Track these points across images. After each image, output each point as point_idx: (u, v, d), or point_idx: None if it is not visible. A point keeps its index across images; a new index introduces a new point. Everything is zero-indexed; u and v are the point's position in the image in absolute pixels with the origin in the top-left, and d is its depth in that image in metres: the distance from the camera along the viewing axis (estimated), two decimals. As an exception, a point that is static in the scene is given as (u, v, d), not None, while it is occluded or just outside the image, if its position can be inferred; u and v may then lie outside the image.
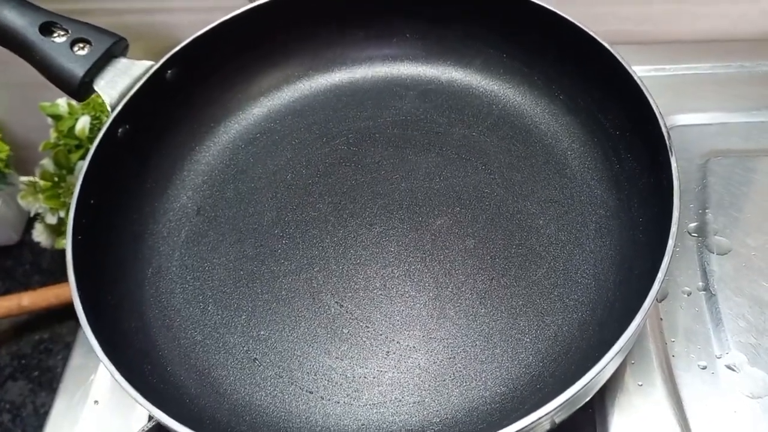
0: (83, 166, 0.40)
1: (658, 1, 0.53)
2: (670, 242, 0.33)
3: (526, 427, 0.29)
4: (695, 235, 0.45)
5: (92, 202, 0.40)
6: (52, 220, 0.61)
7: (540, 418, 0.29)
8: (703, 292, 0.42)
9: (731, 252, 0.44)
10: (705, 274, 0.43)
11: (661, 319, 0.41)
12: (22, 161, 0.68)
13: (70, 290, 0.36)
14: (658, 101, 0.51)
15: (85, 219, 0.39)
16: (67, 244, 0.37)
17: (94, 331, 0.33)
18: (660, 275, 0.32)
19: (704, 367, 0.40)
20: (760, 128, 0.49)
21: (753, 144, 0.48)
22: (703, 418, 0.38)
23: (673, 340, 0.41)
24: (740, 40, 0.54)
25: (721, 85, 0.52)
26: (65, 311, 0.61)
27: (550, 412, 0.29)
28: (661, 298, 0.42)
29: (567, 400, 0.29)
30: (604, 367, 0.29)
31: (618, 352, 0.30)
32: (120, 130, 0.41)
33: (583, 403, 0.32)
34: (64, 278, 0.61)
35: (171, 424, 0.30)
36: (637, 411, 0.38)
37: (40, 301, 0.60)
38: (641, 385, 0.39)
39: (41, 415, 0.59)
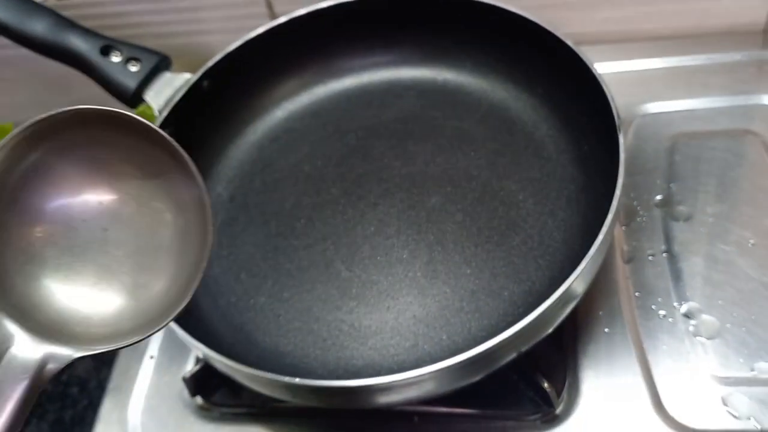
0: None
1: (633, 4, 0.59)
2: (614, 202, 0.39)
3: (490, 348, 0.35)
4: (661, 206, 0.51)
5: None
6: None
7: (502, 341, 0.35)
8: (665, 254, 0.48)
9: (692, 219, 0.50)
10: (668, 239, 0.49)
11: (628, 277, 0.48)
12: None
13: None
14: (631, 93, 0.58)
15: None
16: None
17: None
18: (600, 237, 0.38)
19: (664, 316, 0.46)
20: (721, 112, 0.55)
21: (715, 126, 0.54)
22: (661, 356, 0.44)
23: (637, 294, 0.47)
24: (707, 35, 0.60)
25: (690, 76, 0.57)
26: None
27: (510, 337, 0.36)
28: (628, 260, 0.49)
29: (523, 328, 0.36)
30: (550, 305, 0.36)
31: (559, 297, 0.36)
32: (165, 131, 0.50)
33: (544, 335, 0.39)
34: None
35: (212, 355, 0.38)
36: (603, 352, 0.45)
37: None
38: (607, 331, 0.45)
39: (104, 387, 0.67)
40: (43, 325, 0.30)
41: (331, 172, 0.52)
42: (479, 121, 0.53)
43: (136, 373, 0.50)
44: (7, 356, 0.29)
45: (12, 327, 0.30)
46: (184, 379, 0.47)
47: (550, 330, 0.39)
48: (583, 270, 0.37)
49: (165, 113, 0.50)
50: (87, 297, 0.32)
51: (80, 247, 0.32)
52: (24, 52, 0.53)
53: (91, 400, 0.66)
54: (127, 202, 0.32)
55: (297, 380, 0.37)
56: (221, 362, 0.39)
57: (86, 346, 0.30)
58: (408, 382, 0.36)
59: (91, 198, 0.32)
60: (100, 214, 0.32)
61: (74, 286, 0.32)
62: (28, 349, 0.29)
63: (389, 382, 0.36)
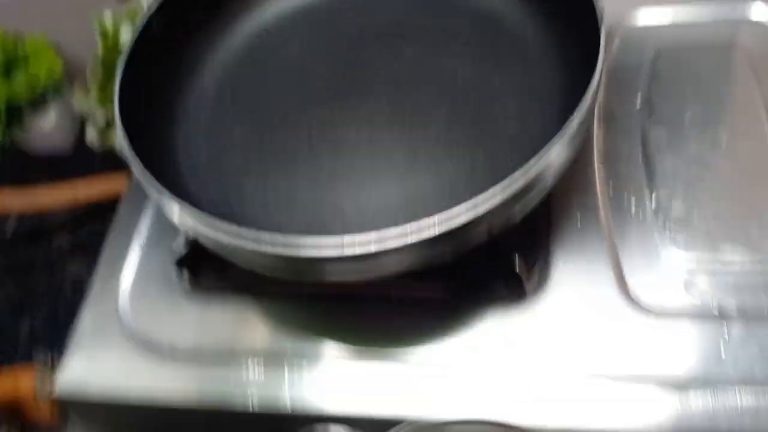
0: (124, 52, 0.48)
1: None
2: (589, 92, 0.40)
3: (458, 226, 0.37)
4: (640, 110, 0.52)
5: (133, 85, 0.47)
6: (101, 122, 0.71)
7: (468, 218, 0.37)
8: (641, 155, 0.50)
9: (669, 122, 0.51)
10: (645, 142, 0.50)
11: (603, 176, 0.49)
12: (71, 76, 0.78)
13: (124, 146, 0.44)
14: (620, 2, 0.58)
15: (128, 98, 0.46)
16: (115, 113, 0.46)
17: (143, 178, 0.42)
18: (573, 123, 0.40)
19: (636, 213, 0.47)
20: (707, 25, 0.56)
21: (700, 38, 0.56)
22: (629, 247, 0.46)
23: (611, 192, 0.49)
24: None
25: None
26: (113, 206, 0.71)
27: (480, 217, 0.37)
28: (604, 161, 0.50)
29: (492, 206, 0.37)
30: (517, 186, 0.38)
31: (524, 177, 0.38)
32: (155, 22, 0.50)
33: (514, 219, 0.40)
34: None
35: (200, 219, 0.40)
36: (575, 243, 0.47)
37: (92, 190, 0.69)
38: (580, 225, 0.47)
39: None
40: None
41: (319, 69, 0.53)
42: (467, 23, 0.54)
43: (124, 260, 0.52)
44: None
45: None
46: (175, 260, 0.48)
47: (520, 216, 0.41)
48: (550, 153, 0.39)
49: (155, 6, 0.50)
50: None
51: None
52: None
53: (83, 297, 0.69)
54: None
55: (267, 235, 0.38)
56: (206, 222, 0.40)
57: None
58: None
59: None
60: None
61: None
62: None
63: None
